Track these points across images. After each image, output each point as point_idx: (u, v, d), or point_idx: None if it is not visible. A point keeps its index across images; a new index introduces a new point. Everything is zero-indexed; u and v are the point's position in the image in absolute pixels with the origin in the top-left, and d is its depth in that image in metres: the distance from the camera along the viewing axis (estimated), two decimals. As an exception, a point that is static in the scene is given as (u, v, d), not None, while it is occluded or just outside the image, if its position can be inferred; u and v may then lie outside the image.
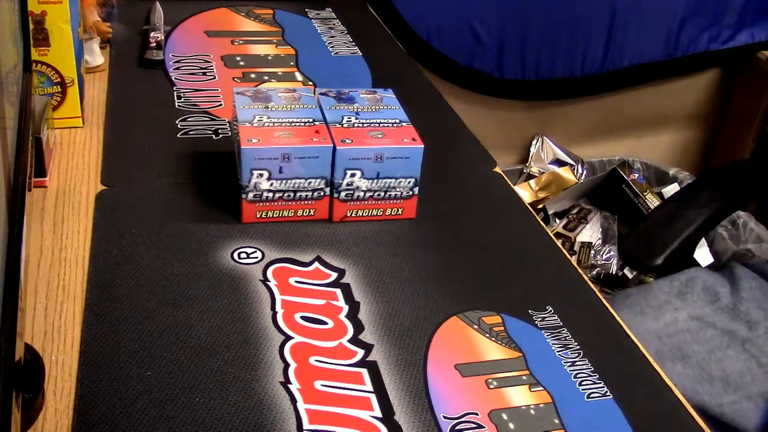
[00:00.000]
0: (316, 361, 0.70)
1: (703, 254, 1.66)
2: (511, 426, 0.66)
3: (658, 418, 0.69)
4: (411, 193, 0.90)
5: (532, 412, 0.67)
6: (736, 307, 1.05)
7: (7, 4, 0.71)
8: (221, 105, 1.12)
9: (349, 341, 0.73)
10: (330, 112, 0.91)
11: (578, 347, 0.75)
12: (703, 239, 1.75)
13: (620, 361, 0.75)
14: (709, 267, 1.57)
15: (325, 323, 0.75)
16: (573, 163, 1.89)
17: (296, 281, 0.80)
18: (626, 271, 1.64)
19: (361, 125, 0.89)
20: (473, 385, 0.69)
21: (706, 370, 1.03)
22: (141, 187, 0.92)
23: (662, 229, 1.19)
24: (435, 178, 0.97)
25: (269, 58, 1.28)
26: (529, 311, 0.79)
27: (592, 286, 0.85)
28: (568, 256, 0.90)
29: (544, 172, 1.86)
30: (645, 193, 1.75)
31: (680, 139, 2.02)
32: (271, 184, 0.85)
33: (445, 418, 0.66)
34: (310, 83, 1.21)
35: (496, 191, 1.02)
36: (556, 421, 0.67)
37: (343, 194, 0.88)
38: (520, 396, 0.69)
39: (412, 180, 0.89)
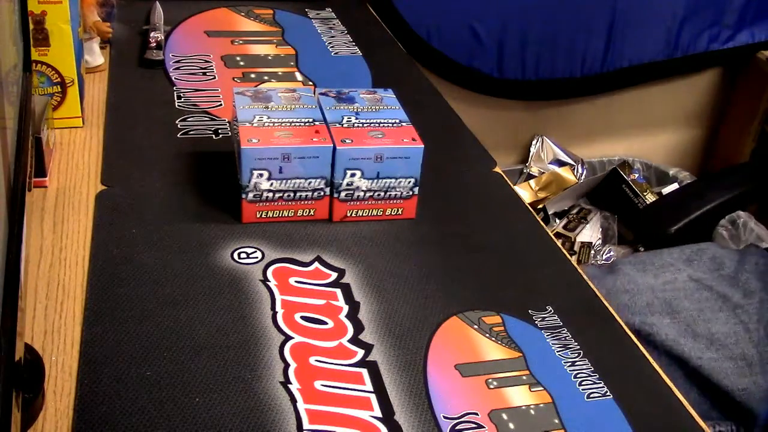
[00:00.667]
0: (316, 361, 0.70)
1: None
2: (511, 426, 0.66)
3: (658, 418, 0.69)
4: (411, 193, 0.90)
5: (532, 412, 0.67)
6: (737, 276, 1.06)
7: (7, 4, 0.71)
8: (221, 105, 1.12)
9: (349, 341, 0.73)
10: (330, 112, 0.91)
11: (578, 347, 0.75)
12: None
13: (620, 361, 0.75)
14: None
15: (325, 323, 0.75)
16: (573, 163, 1.89)
17: (296, 281, 0.80)
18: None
19: (361, 125, 0.89)
20: (473, 385, 0.69)
21: (692, 326, 1.05)
22: (141, 187, 0.92)
23: (681, 203, 1.22)
24: (435, 178, 0.97)
25: (269, 58, 1.28)
26: (529, 311, 0.79)
27: (592, 286, 0.85)
28: (568, 256, 0.90)
29: (544, 172, 1.86)
30: (645, 193, 1.75)
31: (680, 139, 2.02)
32: (271, 184, 0.85)
33: (445, 418, 0.66)
34: (310, 83, 1.21)
35: (496, 191, 1.02)
36: (556, 421, 0.67)
37: (343, 194, 0.88)
38: (520, 396, 0.69)
39: (412, 180, 0.89)
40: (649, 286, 1.10)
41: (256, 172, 0.84)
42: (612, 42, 1.77)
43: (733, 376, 1.02)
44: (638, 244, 1.55)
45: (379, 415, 0.65)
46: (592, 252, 1.67)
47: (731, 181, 1.27)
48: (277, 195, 0.86)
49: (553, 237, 0.93)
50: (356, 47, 1.36)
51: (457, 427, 0.65)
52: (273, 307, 0.76)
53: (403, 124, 0.91)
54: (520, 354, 0.74)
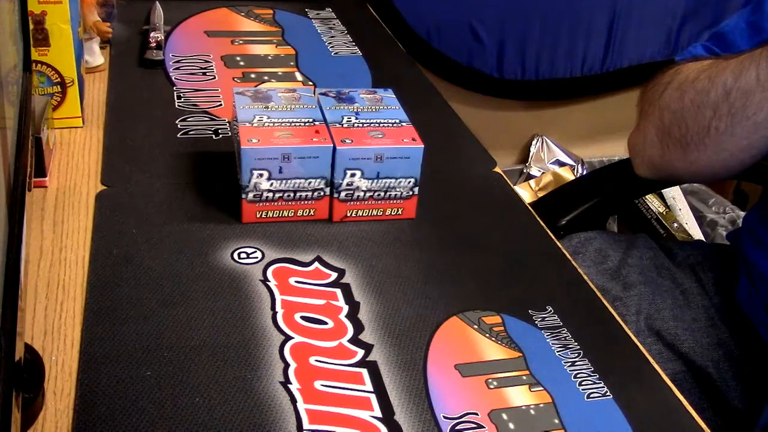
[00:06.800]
0: (316, 361, 0.70)
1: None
2: (511, 426, 0.66)
3: (658, 418, 0.69)
4: (411, 193, 0.90)
5: (532, 412, 0.67)
6: (619, 271, 1.06)
7: (7, 4, 0.71)
8: (221, 105, 1.12)
9: (349, 341, 0.73)
10: (330, 112, 0.91)
11: (578, 347, 0.75)
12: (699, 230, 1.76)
13: (620, 361, 0.75)
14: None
15: (325, 323, 0.75)
16: (573, 163, 1.89)
17: (296, 281, 0.80)
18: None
19: (361, 125, 0.89)
20: (473, 385, 0.69)
21: None
22: (141, 187, 0.92)
23: (572, 194, 1.22)
24: (435, 178, 0.97)
25: (269, 58, 1.28)
26: (529, 311, 0.79)
27: (592, 286, 0.85)
28: (569, 256, 0.90)
29: (544, 172, 1.86)
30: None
31: (680, 139, 2.01)
32: (271, 184, 0.85)
33: (445, 418, 0.66)
34: (310, 83, 1.21)
35: (496, 191, 1.02)
36: (556, 421, 0.67)
37: (343, 194, 0.88)
38: (520, 396, 0.69)
39: (413, 180, 0.89)
40: None
41: (256, 172, 0.84)
42: (612, 42, 1.77)
43: None
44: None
45: (379, 415, 0.65)
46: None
47: (624, 172, 1.28)
48: (277, 195, 0.86)
49: (553, 237, 0.93)
50: (356, 47, 1.36)
51: (457, 427, 0.65)
52: (273, 307, 0.76)
53: (403, 124, 0.91)
54: (520, 354, 0.74)
